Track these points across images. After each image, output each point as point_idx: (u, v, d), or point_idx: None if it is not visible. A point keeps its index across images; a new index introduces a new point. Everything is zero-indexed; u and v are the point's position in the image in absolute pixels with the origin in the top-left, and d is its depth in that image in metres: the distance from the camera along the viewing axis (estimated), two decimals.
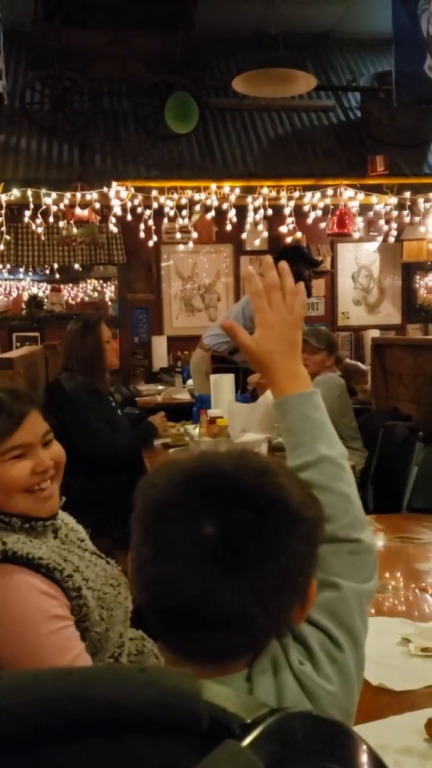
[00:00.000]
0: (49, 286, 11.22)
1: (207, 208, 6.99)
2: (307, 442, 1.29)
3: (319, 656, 1.10)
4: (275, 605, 0.98)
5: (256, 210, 7.04)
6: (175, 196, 6.92)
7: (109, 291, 11.30)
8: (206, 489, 0.98)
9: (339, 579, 1.18)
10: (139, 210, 6.90)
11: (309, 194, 7.04)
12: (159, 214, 6.97)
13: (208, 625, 0.95)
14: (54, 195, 6.69)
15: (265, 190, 6.99)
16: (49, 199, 6.67)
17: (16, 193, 6.68)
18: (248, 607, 0.94)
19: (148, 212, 6.92)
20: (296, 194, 7.04)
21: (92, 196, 6.78)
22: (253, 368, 1.42)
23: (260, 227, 7.35)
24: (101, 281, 11.49)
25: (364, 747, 0.73)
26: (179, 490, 0.99)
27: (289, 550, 0.98)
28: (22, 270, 9.22)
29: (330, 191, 7.03)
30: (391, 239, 7.69)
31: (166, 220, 7.04)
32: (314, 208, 7.05)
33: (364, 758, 0.72)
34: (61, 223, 7.05)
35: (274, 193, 7.05)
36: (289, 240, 7.74)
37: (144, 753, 0.69)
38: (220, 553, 0.94)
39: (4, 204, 6.76)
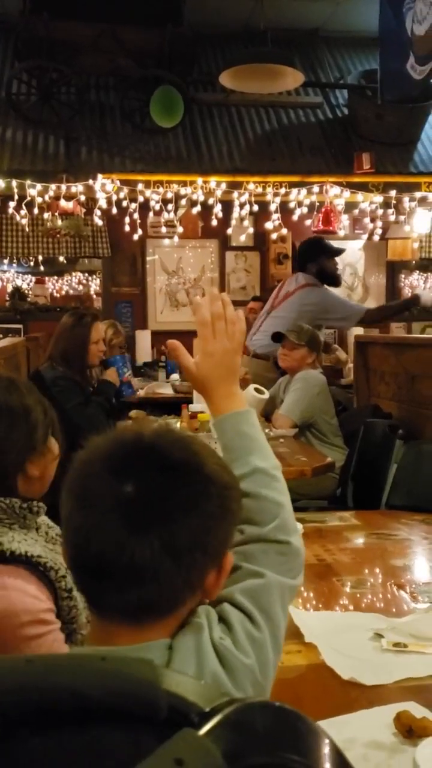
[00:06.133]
0: (33, 278, 11.19)
1: (193, 203, 6.98)
2: (242, 456, 1.39)
3: (239, 632, 1.18)
4: (187, 561, 1.07)
5: (242, 206, 7.03)
6: (161, 190, 6.90)
7: (94, 284, 11.30)
8: (126, 451, 1.09)
9: (265, 570, 1.27)
10: (125, 203, 6.87)
11: (295, 191, 7.04)
12: (145, 207, 6.95)
13: (121, 575, 1.04)
14: (39, 186, 6.66)
15: (251, 186, 6.98)
16: (34, 191, 6.64)
17: (0, 183, 6.64)
18: (159, 560, 1.03)
19: (133, 206, 6.90)
20: (282, 191, 7.04)
21: (77, 188, 6.76)
22: (194, 389, 1.54)
23: (246, 223, 7.35)
24: (86, 274, 11.48)
25: (326, 740, 0.72)
26: (102, 451, 1.10)
27: (199, 509, 1.08)
28: (6, 261, 9.19)
29: (316, 188, 7.03)
30: (376, 237, 7.69)
31: (151, 214, 7.01)
32: (300, 205, 7.05)
33: (324, 750, 0.72)
34: (46, 215, 7.04)
35: (260, 189, 7.04)
36: (274, 236, 7.78)
37: (105, 741, 0.69)
38: (134, 508, 1.04)
39: None
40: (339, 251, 6.38)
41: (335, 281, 6.28)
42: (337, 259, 5.97)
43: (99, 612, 1.10)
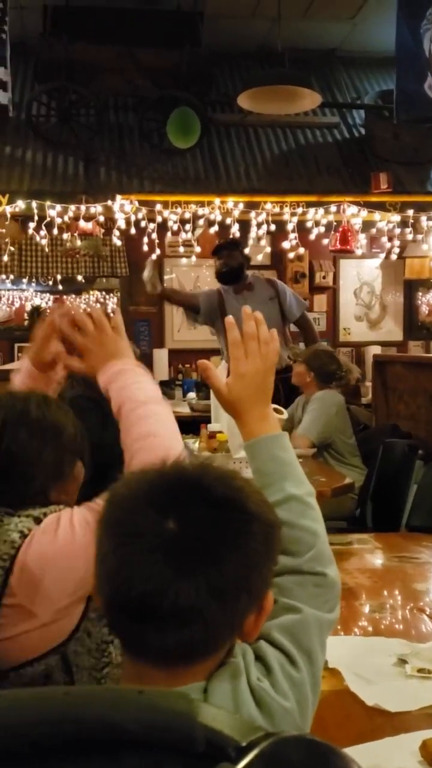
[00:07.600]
0: (52, 297, 11.24)
1: (210, 223, 7.01)
2: (275, 482, 1.34)
3: (278, 674, 1.14)
4: (232, 603, 1.03)
5: (259, 225, 7.05)
6: (179, 210, 6.94)
7: (112, 303, 11.33)
8: (169, 488, 1.05)
9: (302, 605, 1.22)
10: (143, 223, 6.92)
11: (312, 210, 7.06)
12: (162, 227, 6.99)
13: (164, 617, 0.99)
14: (58, 207, 6.71)
15: (268, 206, 7.00)
16: (53, 212, 6.69)
17: (21, 204, 6.70)
18: (205, 602, 0.99)
19: (151, 226, 6.94)
20: (299, 210, 7.06)
21: (96, 209, 6.80)
22: (224, 410, 1.49)
23: (263, 242, 7.38)
24: (104, 293, 11.53)
25: None
26: (144, 488, 1.06)
27: (245, 548, 1.04)
28: (25, 281, 9.24)
29: (333, 208, 7.05)
30: (394, 256, 7.69)
31: (169, 233, 7.05)
32: (317, 224, 7.07)
33: None
34: (65, 236, 7.08)
35: (277, 209, 7.06)
36: (291, 256, 7.81)
37: None
38: (179, 548, 1.00)
39: (9, 215, 6.78)
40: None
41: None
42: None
43: (135, 654, 1.06)
